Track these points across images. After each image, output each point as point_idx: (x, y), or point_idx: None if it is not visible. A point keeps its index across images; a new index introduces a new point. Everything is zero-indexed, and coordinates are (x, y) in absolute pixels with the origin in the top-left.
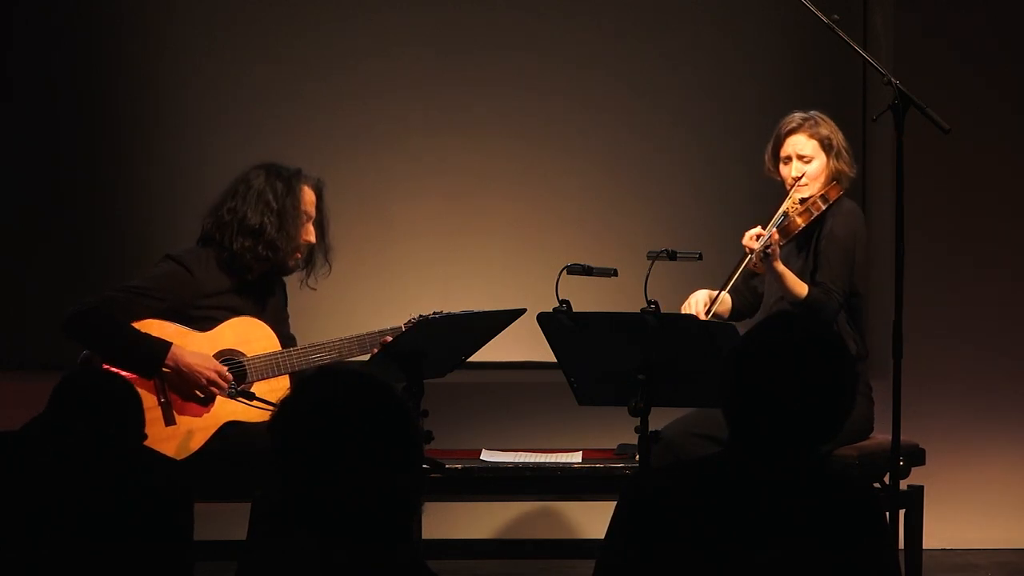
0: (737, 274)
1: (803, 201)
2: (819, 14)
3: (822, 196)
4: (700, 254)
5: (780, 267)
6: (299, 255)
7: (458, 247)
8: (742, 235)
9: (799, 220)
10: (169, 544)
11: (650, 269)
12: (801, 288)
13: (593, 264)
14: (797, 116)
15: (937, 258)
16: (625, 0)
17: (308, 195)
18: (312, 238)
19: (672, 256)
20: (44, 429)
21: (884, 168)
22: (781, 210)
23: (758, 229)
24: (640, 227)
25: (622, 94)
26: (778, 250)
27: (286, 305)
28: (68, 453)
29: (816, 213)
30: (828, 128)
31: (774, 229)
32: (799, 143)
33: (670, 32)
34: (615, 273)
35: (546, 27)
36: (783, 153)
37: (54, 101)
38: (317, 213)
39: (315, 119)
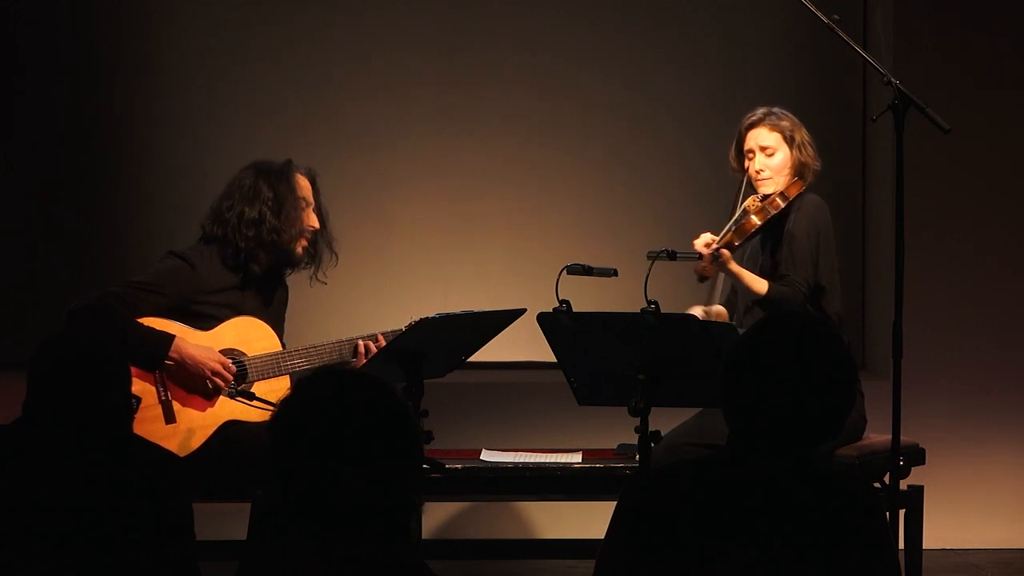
0: (719, 286)
1: (765, 198)
2: (819, 14)
3: (781, 194)
4: (700, 254)
5: (735, 268)
6: (305, 241)
7: (458, 247)
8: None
9: (755, 219)
10: (170, 540)
11: (650, 269)
12: (760, 285)
13: (593, 264)
14: (759, 110)
15: (937, 258)
16: (625, 0)
17: (302, 182)
18: (316, 224)
19: (672, 256)
20: (32, 411)
21: (884, 168)
22: (740, 208)
23: (709, 236)
24: (640, 227)
25: (622, 94)
26: (728, 252)
27: (285, 308)
28: (61, 427)
29: (773, 212)
30: (790, 121)
31: (725, 235)
32: (761, 135)
33: (670, 32)
34: (615, 273)
35: (546, 27)
36: (745, 147)
37: (54, 101)
38: (314, 200)
39: (315, 119)
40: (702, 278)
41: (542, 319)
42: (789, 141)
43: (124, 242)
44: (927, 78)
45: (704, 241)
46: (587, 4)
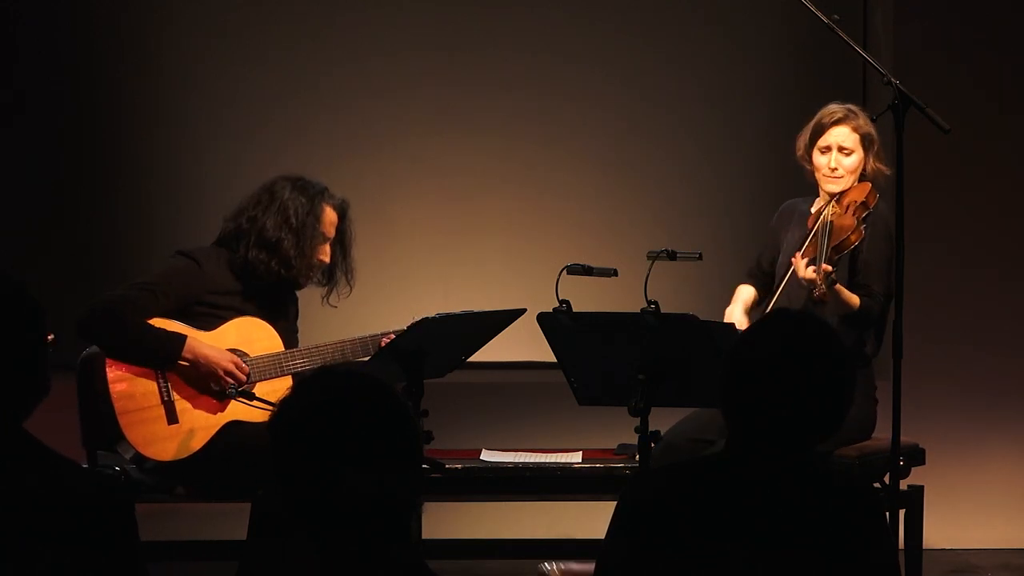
0: (783, 285)
1: (839, 201)
2: (819, 14)
3: (863, 203)
4: (700, 254)
5: (837, 286)
6: (311, 274)
7: (458, 247)
8: (742, 236)
9: (853, 237)
10: (107, 548)
11: (650, 269)
12: (854, 300)
13: (593, 264)
14: (840, 108)
15: (937, 258)
16: (625, 0)
17: (329, 215)
18: (327, 258)
19: (672, 256)
20: None
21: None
22: (824, 220)
23: (809, 265)
24: (640, 227)
25: (622, 94)
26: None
27: (296, 318)
28: None
29: (865, 225)
30: (869, 125)
31: (825, 253)
32: (842, 135)
33: (670, 32)
34: (615, 273)
35: (546, 27)
36: (823, 143)
37: (54, 101)
38: (339, 234)
39: (315, 119)
40: (820, 302)
41: (542, 319)
42: (867, 145)
43: (124, 242)
44: (927, 78)
45: (811, 267)
46: (587, 4)
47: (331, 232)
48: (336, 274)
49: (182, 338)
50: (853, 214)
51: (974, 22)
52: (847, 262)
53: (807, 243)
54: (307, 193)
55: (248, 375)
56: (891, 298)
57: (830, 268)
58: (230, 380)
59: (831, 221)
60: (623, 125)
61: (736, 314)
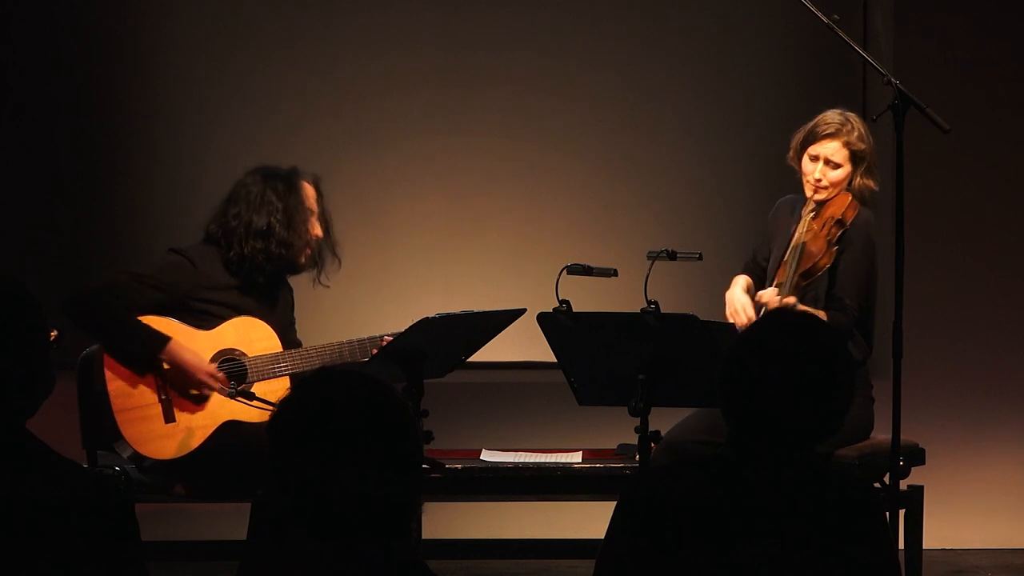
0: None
1: (817, 216)
2: (819, 14)
3: (839, 220)
4: (700, 254)
5: (802, 308)
6: (309, 251)
7: (458, 247)
8: (742, 236)
9: (822, 262)
10: (107, 548)
11: (650, 269)
12: (820, 317)
13: (593, 264)
14: (836, 119)
15: (937, 258)
16: (626, 0)
17: (309, 190)
18: (320, 232)
19: (672, 256)
20: None
21: (884, 168)
22: (797, 242)
23: (774, 291)
24: (640, 227)
25: (622, 94)
26: (796, 299)
27: (292, 310)
28: None
29: (836, 244)
30: (864, 140)
31: (793, 279)
32: (832, 148)
33: (670, 32)
34: (615, 273)
35: (546, 26)
36: (812, 151)
37: (55, 101)
38: (318, 208)
39: (315, 119)
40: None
41: (542, 319)
42: (856, 163)
43: (124, 241)
44: (927, 78)
45: (777, 296)
46: (588, 4)
47: (315, 206)
48: (322, 251)
49: (164, 339)
50: (826, 236)
51: (974, 22)
52: (825, 274)
53: (780, 266)
54: (280, 176)
55: (244, 375)
56: (870, 309)
57: (793, 300)
58: (205, 391)
59: (804, 243)
60: (623, 125)
61: (737, 293)
